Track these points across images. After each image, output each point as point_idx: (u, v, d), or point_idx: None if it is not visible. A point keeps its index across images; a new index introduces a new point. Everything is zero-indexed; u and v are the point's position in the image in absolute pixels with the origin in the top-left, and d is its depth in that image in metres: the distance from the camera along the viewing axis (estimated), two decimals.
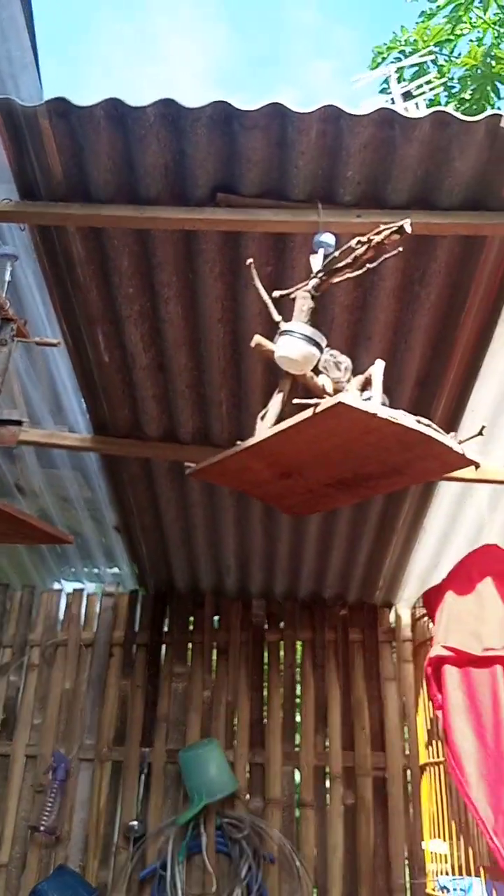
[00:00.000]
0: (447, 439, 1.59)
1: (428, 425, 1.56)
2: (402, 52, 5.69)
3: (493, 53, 5.33)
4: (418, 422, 1.54)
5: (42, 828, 3.39)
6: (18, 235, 2.02)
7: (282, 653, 3.84)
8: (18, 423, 1.92)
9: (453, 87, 5.58)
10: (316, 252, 1.76)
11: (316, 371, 1.70)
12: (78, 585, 4.13)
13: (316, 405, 1.51)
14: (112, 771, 3.59)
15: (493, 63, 5.28)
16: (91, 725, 3.67)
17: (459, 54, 5.63)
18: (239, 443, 1.77)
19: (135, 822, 3.44)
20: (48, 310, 2.33)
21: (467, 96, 5.43)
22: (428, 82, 2.69)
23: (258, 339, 1.75)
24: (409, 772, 3.54)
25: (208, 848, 3.37)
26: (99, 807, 3.52)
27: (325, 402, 1.49)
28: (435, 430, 1.57)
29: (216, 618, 3.96)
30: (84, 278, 2.12)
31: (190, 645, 3.86)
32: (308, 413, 1.53)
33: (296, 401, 1.71)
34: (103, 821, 3.49)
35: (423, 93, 2.67)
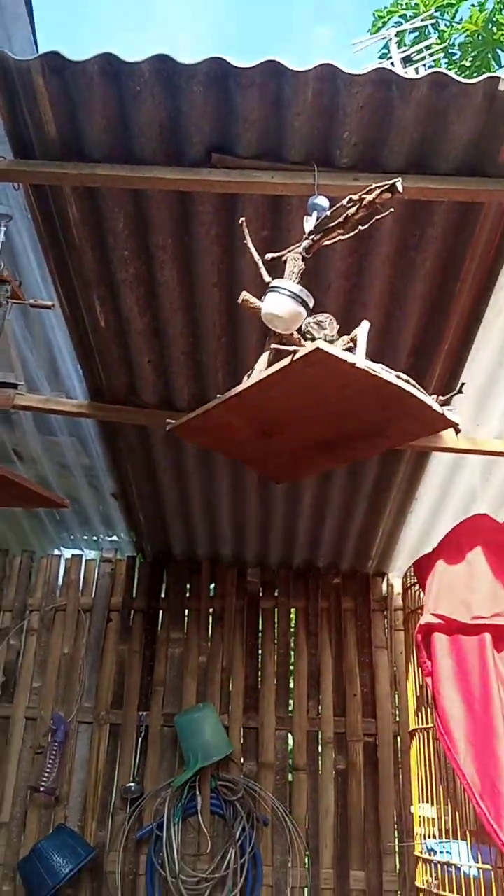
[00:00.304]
0: (426, 397, 1.59)
1: (406, 381, 1.56)
2: (402, 16, 5.57)
3: (494, 19, 5.22)
4: (398, 377, 1.54)
5: (42, 788, 3.45)
6: (13, 195, 2.01)
7: (276, 620, 3.88)
8: (14, 385, 1.92)
9: (454, 53, 5.47)
10: (310, 215, 1.75)
11: (303, 334, 1.70)
12: (76, 552, 4.17)
13: (294, 352, 1.51)
14: (110, 733, 3.65)
15: (495, 29, 5.17)
16: (89, 689, 3.72)
17: (461, 19, 5.52)
18: (219, 396, 1.78)
19: (132, 784, 3.51)
20: (43, 271, 2.32)
21: (468, 63, 5.32)
22: (428, 47, 2.65)
23: (245, 295, 1.75)
24: (398, 737, 3.60)
25: (203, 809, 3.44)
26: (97, 768, 3.58)
27: (303, 349, 1.49)
28: (413, 386, 1.57)
29: (212, 585, 4.00)
30: (79, 240, 2.11)
31: (186, 611, 3.91)
32: (286, 361, 1.53)
33: (274, 346, 1.71)
34: (101, 782, 3.56)
35: (423, 58, 2.63)
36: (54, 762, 3.52)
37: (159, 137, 1.81)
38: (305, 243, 1.69)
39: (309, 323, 1.66)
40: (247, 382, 1.64)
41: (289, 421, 1.79)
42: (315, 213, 1.74)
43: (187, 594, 3.95)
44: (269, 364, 1.67)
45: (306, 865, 3.43)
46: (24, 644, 3.85)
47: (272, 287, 1.63)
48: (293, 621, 3.95)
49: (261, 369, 1.66)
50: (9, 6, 1.72)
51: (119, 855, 3.42)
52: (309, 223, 1.74)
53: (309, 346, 1.47)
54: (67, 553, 4.14)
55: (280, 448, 1.91)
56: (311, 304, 1.61)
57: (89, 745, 3.63)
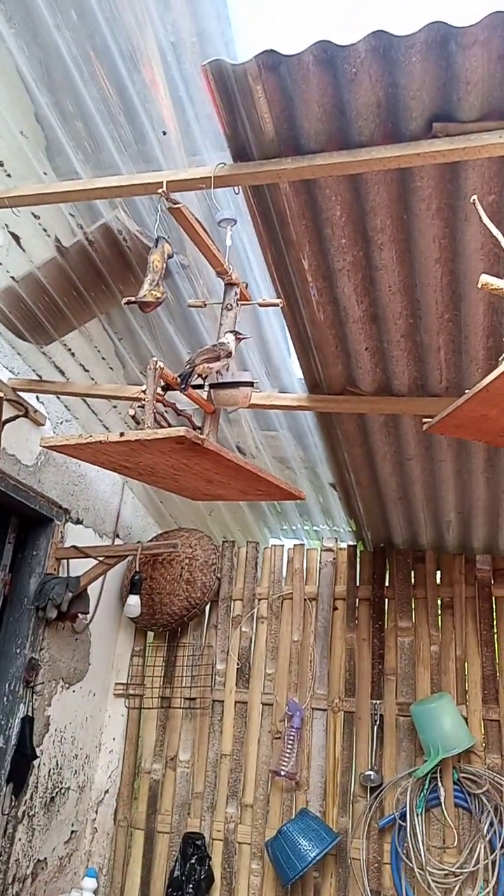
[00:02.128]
0: None
1: None
2: None
3: None
4: None
5: (282, 772, 3.56)
6: (233, 198, 2.05)
7: None
8: (251, 384, 1.96)
9: None
10: None
11: None
12: (297, 541, 4.24)
13: None
14: (344, 721, 3.68)
15: None
16: (321, 676, 3.77)
17: None
18: (467, 391, 1.69)
19: (371, 772, 3.51)
20: (261, 271, 2.36)
21: None
22: None
23: (486, 278, 1.65)
24: None
25: (447, 801, 3.36)
26: (335, 755, 3.63)
27: None
28: None
29: (438, 573, 3.88)
30: (297, 235, 2.11)
31: (413, 600, 3.82)
32: None
33: None
34: (340, 769, 3.60)
35: None
36: (292, 747, 3.61)
37: (377, 117, 1.75)
38: None
39: None
40: (492, 374, 1.54)
41: None
42: None
43: (412, 582, 3.87)
44: None
45: None
46: (256, 632, 4.00)
47: None
48: None
49: None
50: (224, 15, 1.75)
51: (363, 842, 3.44)
52: None
53: None
54: (289, 543, 4.22)
55: None
56: None
57: (325, 731, 3.69)
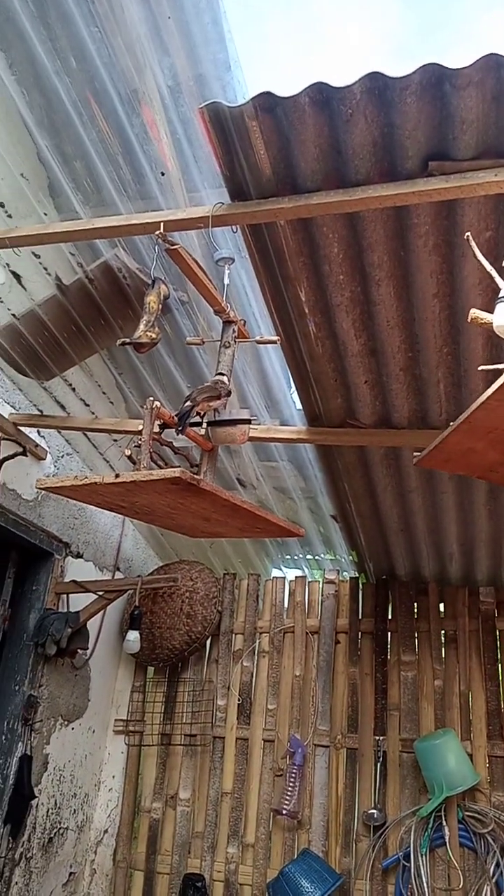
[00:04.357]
0: None
1: None
2: None
3: None
4: None
5: (284, 811, 3.49)
6: (231, 237, 2.06)
7: None
8: (248, 421, 1.96)
9: None
10: None
11: None
12: (298, 572, 4.20)
13: None
14: (347, 758, 3.61)
15: None
16: (323, 712, 3.72)
17: None
18: (451, 423, 1.69)
19: (374, 811, 3.44)
20: (260, 307, 2.37)
21: None
22: None
23: (474, 312, 1.66)
24: None
25: (451, 841, 3.28)
26: (337, 793, 3.56)
27: None
28: None
29: (441, 606, 3.84)
30: (294, 271, 2.13)
31: (416, 633, 3.78)
32: (501, 380, 1.41)
33: (481, 367, 1.59)
34: (342, 807, 3.53)
35: None
36: (294, 785, 3.54)
37: (372, 156, 1.76)
38: None
39: None
40: (472, 406, 1.53)
41: None
42: None
43: (415, 615, 3.82)
44: None
45: None
46: (257, 666, 3.94)
47: (502, 298, 1.52)
48: None
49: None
50: (222, 59, 1.78)
51: (366, 884, 3.36)
52: None
53: None
54: (290, 574, 4.19)
55: None
56: None
57: (327, 769, 3.62)
